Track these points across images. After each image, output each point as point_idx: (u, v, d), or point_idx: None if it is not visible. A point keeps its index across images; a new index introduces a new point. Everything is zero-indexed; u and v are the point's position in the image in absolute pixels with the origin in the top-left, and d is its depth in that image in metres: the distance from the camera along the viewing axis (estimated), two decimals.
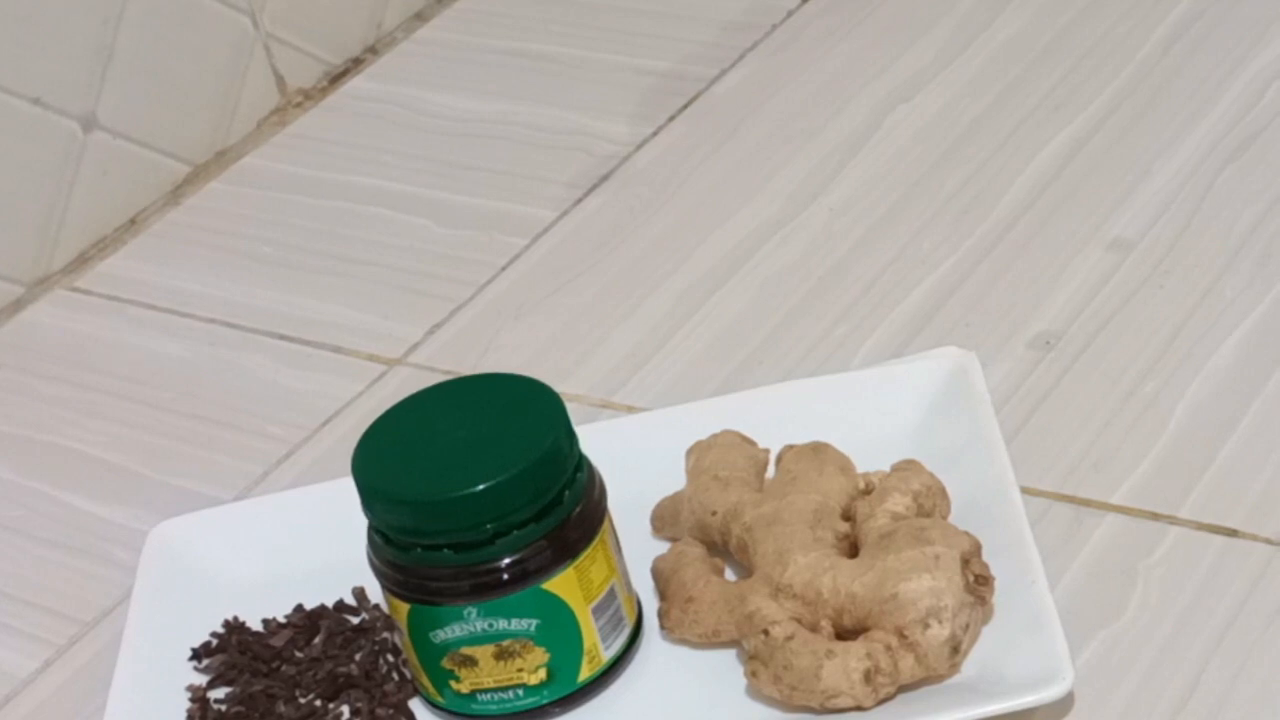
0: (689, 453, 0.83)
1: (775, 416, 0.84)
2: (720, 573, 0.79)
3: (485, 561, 0.74)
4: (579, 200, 1.06)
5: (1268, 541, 0.78)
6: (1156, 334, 0.89)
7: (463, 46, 1.22)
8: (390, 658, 0.80)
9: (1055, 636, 0.72)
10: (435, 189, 1.10)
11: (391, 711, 0.78)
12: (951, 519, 0.79)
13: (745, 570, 0.78)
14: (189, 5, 1.14)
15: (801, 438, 0.82)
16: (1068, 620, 0.75)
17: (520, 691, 0.76)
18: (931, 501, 0.78)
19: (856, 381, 0.86)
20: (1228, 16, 1.07)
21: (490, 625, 0.75)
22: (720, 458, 0.81)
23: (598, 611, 0.76)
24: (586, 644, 0.76)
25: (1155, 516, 0.80)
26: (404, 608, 0.76)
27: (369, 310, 1.02)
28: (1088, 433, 0.84)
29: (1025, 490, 0.81)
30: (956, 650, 0.73)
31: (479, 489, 0.73)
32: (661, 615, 0.78)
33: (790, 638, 0.73)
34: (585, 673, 0.77)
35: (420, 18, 1.25)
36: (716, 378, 0.92)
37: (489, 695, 0.76)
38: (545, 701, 0.77)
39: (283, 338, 1.02)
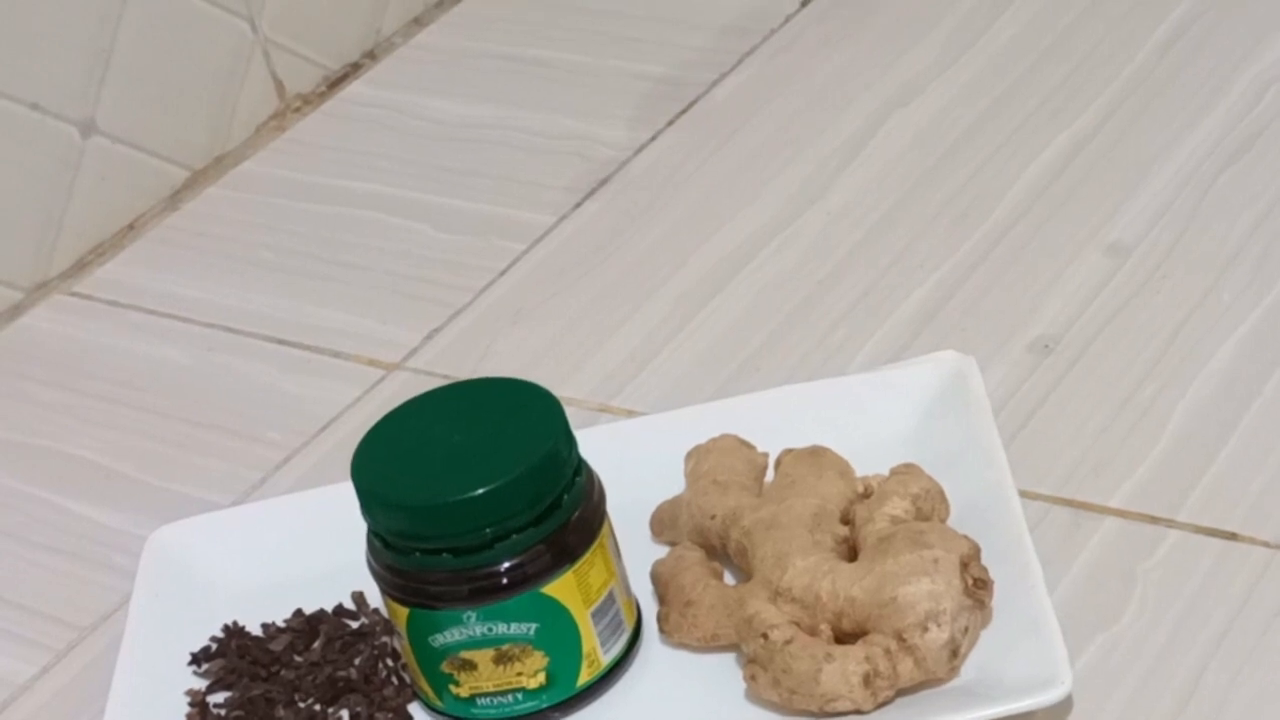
0: (688, 457, 0.83)
1: (774, 420, 0.84)
2: (719, 577, 0.79)
3: (484, 566, 0.74)
4: (577, 205, 1.06)
5: (1266, 545, 0.78)
6: (1155, 337, 0.89)
7: (461, 52, 1.22)
8: (389, 662, 0.80)
9: (1054, 640, 0.72)
10: (433, 194, 1.10)
11: (391, 716, 0.78)
12: (950, 522, 0.79)
13: (744, 574, 0.78)
14: (187, 10, 1.14)
15: (800, 441, 0.82)
16: (1066, 623, 0.75)
17: (519, 695, 0.76)
18: (930, 505, 0.78)
19: (855, 385, 0.86)
20: (1225, 20, 1.07)
21: (489, 629, 0.75)
22: (719, 462, 0.81)
23: (597, 615, 0.76)
24: (586, 648, 0.76)
25: (1154, 520, 0.80)
26: (403, 612, 0.76)
27: (367, 315, 1.02)
28: (1086, 436, 0.85)
29: (1024, 494, 0.81)
30: (955, 654, 0.73)
31: (478, 493, 0.73)
32: (660, 619, 0.78)
33: (789, 641, 0.73)
34: (584, 677, 0.77)
35: (418, 23, 1.26)
36: (715, 382, 0.92)
37: (488, 699, 0.76)
38: (544, 705, 0.77)
39: (281, 343, 1.02)
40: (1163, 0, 1.10)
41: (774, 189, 1.04)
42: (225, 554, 0.86)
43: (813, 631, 0.74)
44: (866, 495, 0.79)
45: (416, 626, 0.76)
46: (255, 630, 0.82)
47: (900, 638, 0.73)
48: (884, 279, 0.96)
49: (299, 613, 0.82)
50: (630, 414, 0.91)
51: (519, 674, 0.76)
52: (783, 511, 0.77)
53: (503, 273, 1.03)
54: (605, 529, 0.77)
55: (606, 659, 0.77)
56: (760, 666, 0.74)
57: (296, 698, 0.79)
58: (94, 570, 0.91)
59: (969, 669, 0.74)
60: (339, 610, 0.82)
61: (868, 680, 0.72)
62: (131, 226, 1.13)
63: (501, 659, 0.75)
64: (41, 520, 0.94)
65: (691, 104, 1.12)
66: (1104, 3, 1.11)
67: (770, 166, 1.05)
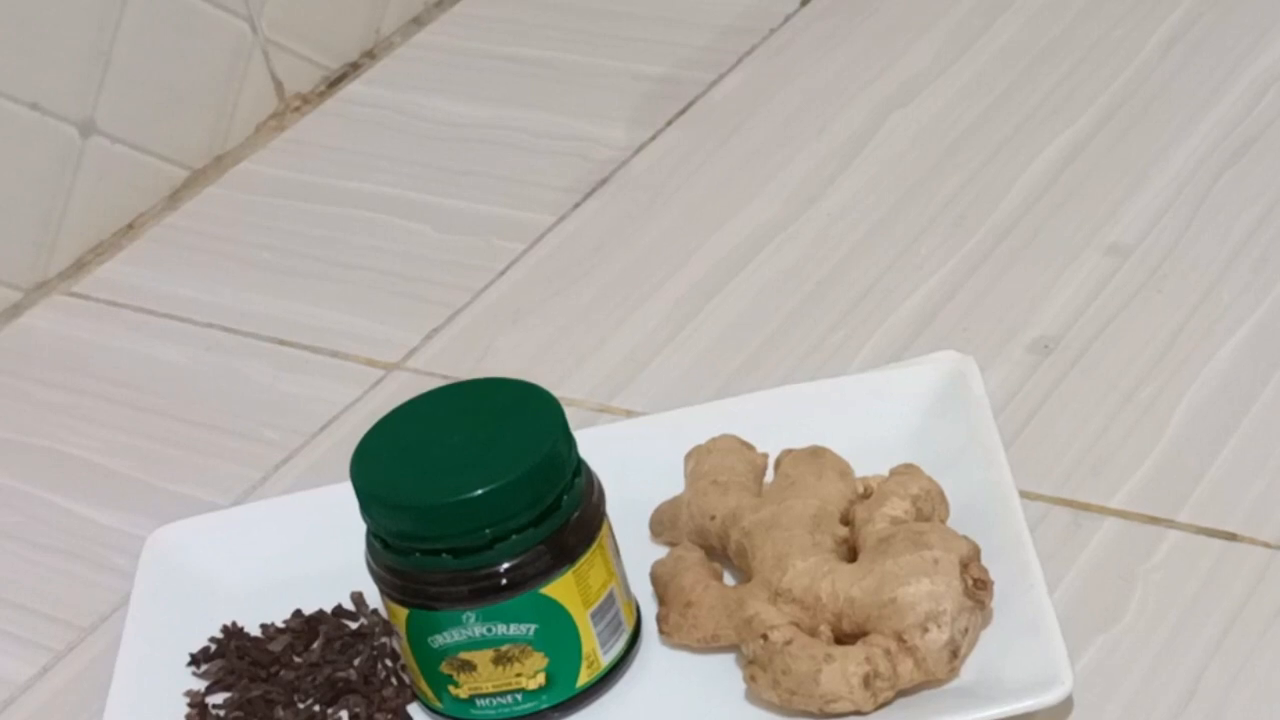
0: (687, 457, 0.83)
1: (773, 421, 0.84)
2: (719, 577, 0.79)
3: (484, 566, 0.74)
4: (576, 205, 1.06)
5: (1266, 545, 0.78)
6: (1154, 338, 0.89)
7: (460, 51, 1.22)
8: (389, 663, 0.80)
9: (1054, 640, 0.72)
10: (433, 194, 1.10)
11: (390, 717, 0.78)
12: (950, 523, 0.79)
13: (744, 575, 0.78)
14: (187, 10, 1.14)
15: (800, 442, 0.82)
16: (1066, 624, 0.75)
17: (519, 696, 0.76)
18: (930, 506, 0.78)
19: (855, 386, 0.86)
20: (1225, 21, 1.07)
21: (489, 630, 0.75)
22: (719, 462, 0.81)
23: (596, 616, 0.76)
24: (585, 649, 0.76)
25: (1154, 520, 0.80)
26: (402, 613, 0.76)
27: (367, 315, 1.02)
28: (1086, 436, 0.85)
29: (1024, 494, 0.81)
30: (955, 654, 0.73)
31: (477, 494, 0.73)
32: (660, 620, 0.78)
33: (789, 642, 0.73)
34: (584, 678, 0.77)
35: (418, 23, 1.25)
36: (714, 382, 0.92)
37: (488, 700, 0.76)
38: (544, 706, 0.77)
39: (280, 343, 1.02)
40: (1163, 0, 1.10)
41: (773, 189, 1.04)
42: (224, 554, 0.86)
43: (813, 632, 0.74)
44: (866, 496, 0.79)
45: (416, 627, 0.76)
46: (254, 631, 0.82)
47: (900, 638, 0.73)
48: (884, 279, 0.96)
49: (298, 613, 0.82)
50: (630, 414, 0.91)
51: (518, 675, 0.76)
52: (782, 512, 0.77)
53: (502, 273, 1.03)
54: (604, 530, 0.77)
55: (606, 660, 0.77)
56: (760, 667, 0.74)
57: (296, 698, 0.79)
58: (94, 570, 0.91)
59: (969, 670, 0.74)
60: (338, 611, 0.82)
61: (868, 681, 0.72)
62: (131, 226, 1.13)
63: (501, 660, 0.75)
64: (41, 520, 0.94)
65: (691, 104, 1.12)
66: (1104, 3, 1.11)
67: (770, 166, 1.05)
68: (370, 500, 0.75)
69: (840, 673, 0.72)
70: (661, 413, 0.88)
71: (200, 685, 0.81)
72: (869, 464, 0.81)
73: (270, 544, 0.85)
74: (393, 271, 1.05)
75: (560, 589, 0.75)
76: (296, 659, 0.80)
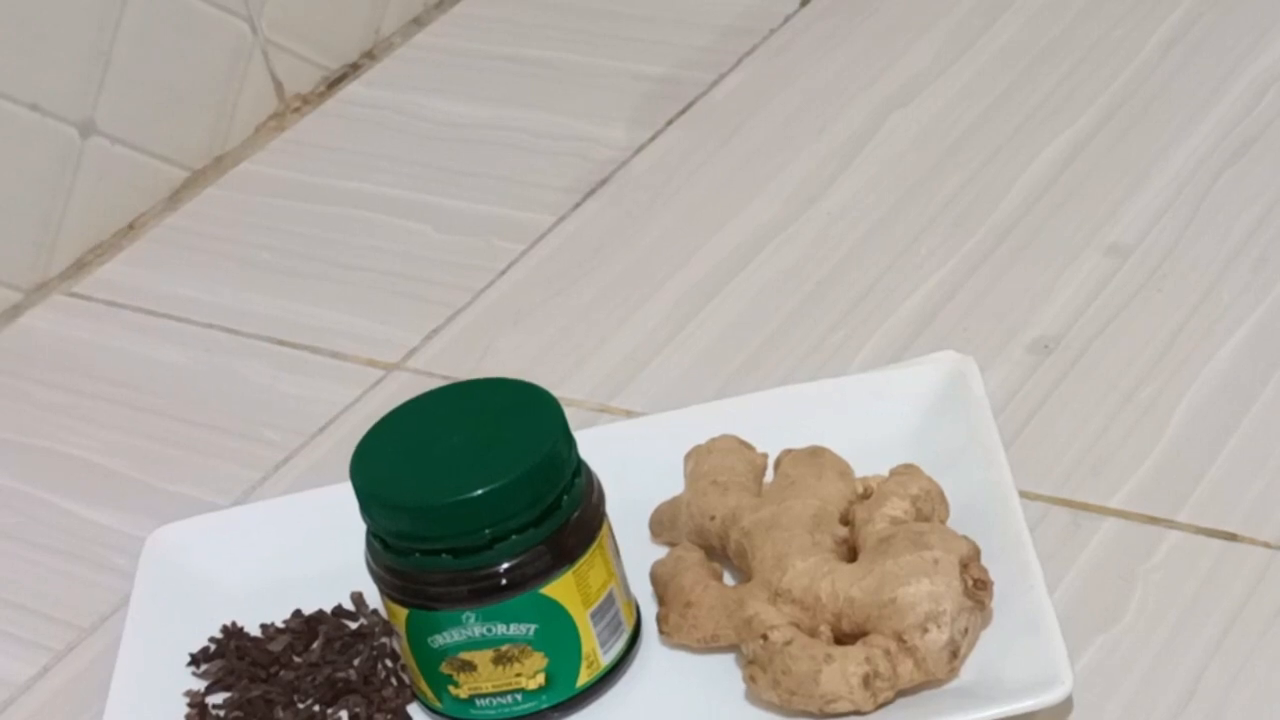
0: (687, 457, 0.83)
1: (773, 421, 0.84)
2: (719, 577, 0.79)
3: (483, 566, 0.74)
4: (576, 205, 1.06)
5: (1266, 545, 0.78)
6: (1154, 338, 0.89)
7: (460, 52, 1.22)
8: (389, 663, 0.80)
9: (1054, 640, 0.72)
10: (433, 194, 1.10)
11: (390, 717, 0.78)
12: (950, 523, 0.79)
13: (744, 575, 0.78)
14: (187, 10, 1.14)
15: (800, 442, 0.82)
16: (1066, 624, 0.75)
17: (519, 696, 0.76)
18: (930, 506, 0.78)
19: (855, 386, 0.86)
20: (1225, 21, 1.07)
21: (489, 630, 0.75)
22: (719, 462, 0.81)
23: (596, 616, 0.76)
24: (585, 649, 0.76)
25: (1154, 520, 0.80)
26: (402, 613, 0.76)
27: (367, 315, 1.02)
28: (1086, 437, 0.85)
29: (1023, 494, 0.81)
30: (955, 655, 0.73)
31: (477, 494, 0.73)
32: (660, 620, 0.78)
33: (789, 642, 0.73)
34: (584, 677, 0.77)
35: (418, 23, 1.26)
36: (714, 382, 0.92)
37: (487, 700, 0.76)
38: (544, 706, 0.77)
39: (280, 343, 1.02)
40: (1163, 0, 1.10)
41: (774, 189, 1.04)
42: (224, 554, 0.85)
43: (812, 632, 0.74)
44: (866, 496, 0.79)
45: (416, 627, 0.76)
46: (254, 631, 0.82)
47: (900, 639, 0.73)
48: (884, 279, 0.96)
49: (298, 613, 0.82)
50: (630, 414, 0.91)
51: (518, 675, 0.76)
52: (782, 512, 0.77)
53: (502, 273, 1.03)
54: (604, 530, 0.77)
55: (606, 660, 0.77)
56: (760, 667, 0.74)
57: (295, 699, 0.79)
58: (93, 571, 0.91)
59: (969, 670, 0.74)
60: (338, 611, 0.82)
61: (867, 681, 0.72)
62: (131, 227, 1.13)
63: (501, 660, 0.75)
64: (41, 521, 0.94)
65: (691, 104, 1.12)
66: (1104, 3, 1.11)
67: (770, 166, 1.05)
68: (370, 500, 0.75)
69: (840, 673, 0.72)
70: (661, 413, 0.88)
71: (200, 685, 0.81)
72: (869, 464, 0.81)
73: (270, 544, 0.85)
74: (393, 271, 1.05)
75: (560, 589, 0.75)
76: (296, 659, 0.80)
